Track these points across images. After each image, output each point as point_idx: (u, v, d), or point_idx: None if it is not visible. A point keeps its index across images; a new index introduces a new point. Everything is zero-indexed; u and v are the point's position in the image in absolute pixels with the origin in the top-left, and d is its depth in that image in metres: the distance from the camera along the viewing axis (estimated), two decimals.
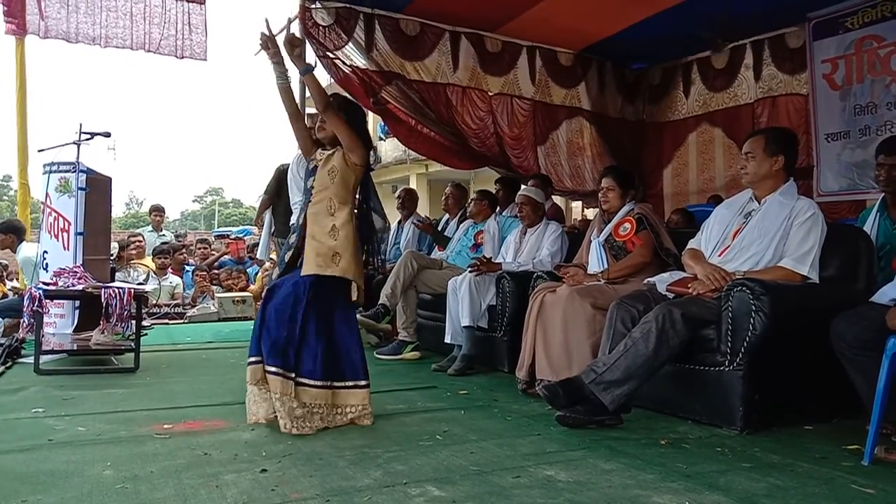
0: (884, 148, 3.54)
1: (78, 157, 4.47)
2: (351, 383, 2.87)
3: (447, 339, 4.29)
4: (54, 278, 4.16)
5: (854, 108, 5.57)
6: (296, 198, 5.08)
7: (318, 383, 2.79)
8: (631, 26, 6.24)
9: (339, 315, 2.91)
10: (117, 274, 6.13)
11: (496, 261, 4.44)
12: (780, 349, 2.76)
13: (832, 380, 2.57)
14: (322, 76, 6.05)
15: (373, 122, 19.23)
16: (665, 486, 2.09)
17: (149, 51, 5.80)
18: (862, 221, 3.68)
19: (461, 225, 5.26)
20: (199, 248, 9.47)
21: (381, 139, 19.19)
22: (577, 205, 9.43)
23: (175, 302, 7.25)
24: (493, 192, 5.38)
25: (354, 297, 2.94)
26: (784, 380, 2.81)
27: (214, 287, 7.80)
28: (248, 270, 8.25)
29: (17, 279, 6.37)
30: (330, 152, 3.01)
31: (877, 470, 2.25)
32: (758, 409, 2.72)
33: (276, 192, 5.65)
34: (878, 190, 3.81)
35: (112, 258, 6.21)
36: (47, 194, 4.59)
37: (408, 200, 6.17)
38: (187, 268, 8.16)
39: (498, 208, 5.27)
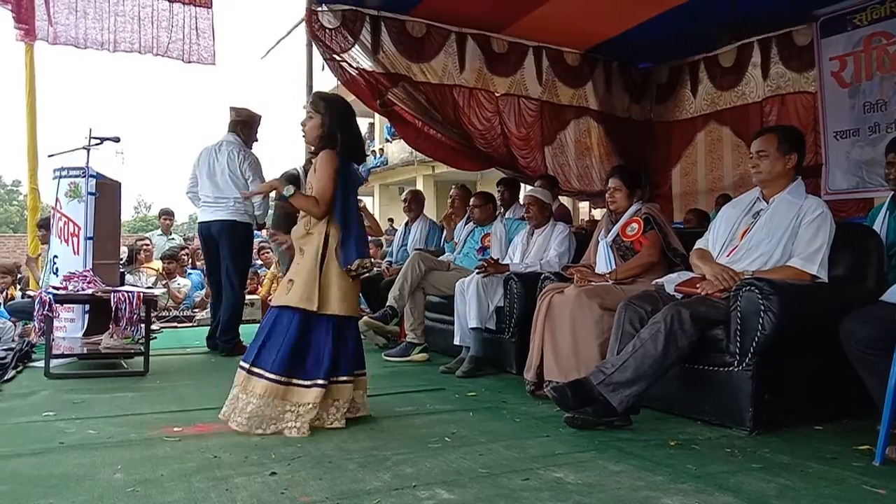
0: (894, 146, 3.51)
1: (87, 162, 4.51)
2: (308, 382, 2.76)
3: (455, 341, 4.29)
4: (64, 282, 4.18)
5: (863, 106, 5.53)
6: (205, 192, 4.82)
7: (272, 376, 2.74)
8: (637, 26, 6.23)
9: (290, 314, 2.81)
10: (127, 277, 6.16)
11: (503, 262, 4.44)
12: (790, 349, 2.74)
13: (842, 380, 2.57)
14: (328, 79, 6.09)
15: (379, 123, 19.31)
16: (675, 488, 2.08)
17: (157, 55, 5.83)
18: (871, 220, 3.66)
19: (467, 226, 5.24)
20: None
21: (387, 141, 19.23)
22: (584, 205, 9.40)
23: (182, 303, 7.30)
24: (493, 193, 5.31)
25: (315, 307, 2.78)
26: (794, 380, 2.79)
27: None
28: (258, 272, 8.27)
29: (29, 285, 6.42)
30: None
31: (888, 470, 2.24)
32: (767, 410, 2.71)
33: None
34: (887, 188, 3.79)
35: (122, 262, 6.25)
36: (57, 199, 4.61)
37: (414, 202, 6.17)
38: (196, 270, 8.20)
39: (501, 209, 5.25)
